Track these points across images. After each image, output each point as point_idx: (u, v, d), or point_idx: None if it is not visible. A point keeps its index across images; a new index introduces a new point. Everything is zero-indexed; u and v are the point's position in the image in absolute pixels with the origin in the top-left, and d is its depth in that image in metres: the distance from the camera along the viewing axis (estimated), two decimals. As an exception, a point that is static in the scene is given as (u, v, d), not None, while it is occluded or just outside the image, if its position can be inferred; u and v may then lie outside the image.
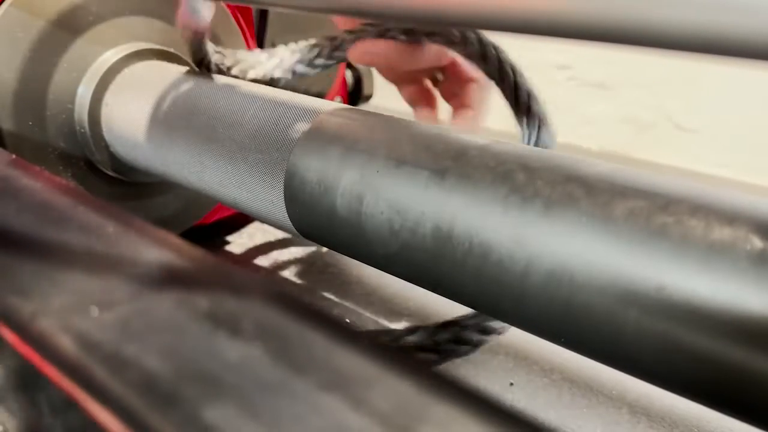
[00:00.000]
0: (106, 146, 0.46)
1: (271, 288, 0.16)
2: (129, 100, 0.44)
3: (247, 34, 0.54)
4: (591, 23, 0.13)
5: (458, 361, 0.40)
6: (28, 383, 0.15)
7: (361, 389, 0.12)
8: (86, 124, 0.45)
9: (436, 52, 0.46)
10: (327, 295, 0.48)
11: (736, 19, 0.11)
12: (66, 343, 0.14)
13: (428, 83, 0.52)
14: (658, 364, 0.23)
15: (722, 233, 0.21)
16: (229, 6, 0.52)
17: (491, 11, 0.14)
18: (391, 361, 0.13)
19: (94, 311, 0.15)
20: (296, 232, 0.36)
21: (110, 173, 0.47)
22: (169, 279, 0.16)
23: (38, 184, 0.22)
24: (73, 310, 0.15)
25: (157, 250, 0.18)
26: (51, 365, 0.14)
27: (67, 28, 0.44)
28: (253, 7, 0.54)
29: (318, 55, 0.45)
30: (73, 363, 0.13)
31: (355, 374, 0.13)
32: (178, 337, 0.14)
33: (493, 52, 0.41)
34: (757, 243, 0.21)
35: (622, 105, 0.85)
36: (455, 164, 0.28)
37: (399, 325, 0.44)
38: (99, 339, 0.14)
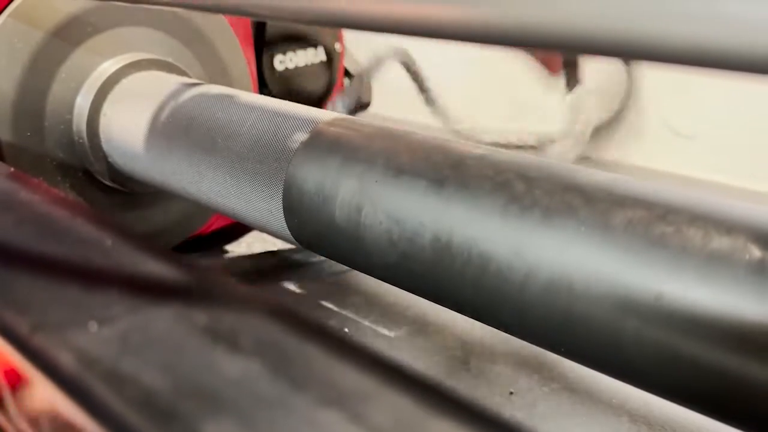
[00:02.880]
0: (105, 156, 0.46)
1: (269, 302, 0.15)
2: (127, 110, 0.44)
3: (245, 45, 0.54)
4: (590, 36, 0.13)
5: (458, 369, 0.40)
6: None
7: (360, 404, 0.12)
8: (84, 135, 0.45)
9: None
10: (325, 303, 0.48)
11: (730, 33, 0.11)
12: (65, 359, 0.14)
13: None
14: (657, 373, 0.23)
15: (721, 242, 0.21)
16: (227, 17, 0.52)
17: (497, 25, 0.14)
18: (389, 376, 0.13)
19: (93, 326, 0.15)
20: (295, 241, 0.36)
21: (108, 183, 0.47)
22: (168, 293, 0.16)
23: (37, 197, 0.22)
24: (72, 324, 0.15)
25: (156, 263, 0.18)
26: (50, 381, 0.14)
27: (66, 38, 0.44)
28: (251, 18, 0.54)
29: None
30: (72, 378, 0.13)
31: (353, 389, 0.13)
32: (176, 353, 0.14)
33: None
34: (756, 252, 0.21)
35: (619, 111, 0.85)
36: (453, 174, 0.28)
37: (399, 333, 0.44)
38: (98, 354, 0.14)
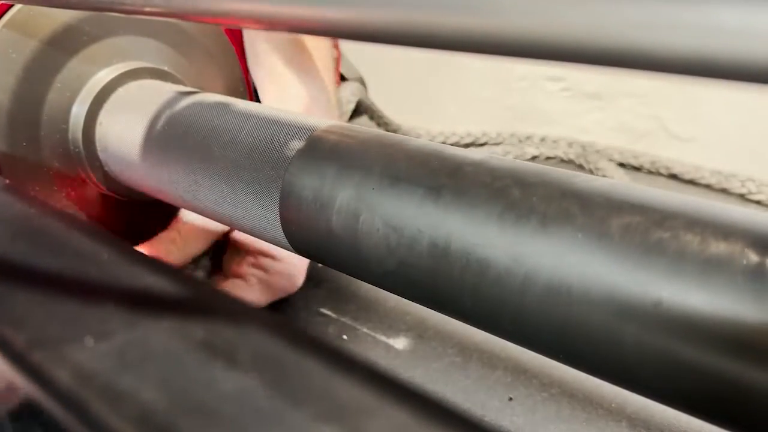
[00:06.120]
0: (101, 165, 0.46)
1: (266, 317, 0.15)
2: (123, 119, 0.44)
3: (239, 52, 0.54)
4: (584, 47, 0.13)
5: (457, 377, 0.40)
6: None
7: (359, 419, 0.12)
8: (80, 144, 0.45)
9: None
10: (323, 310, 0.48)
11: (731, 43, 0.11)
12: (62, 375, 0.14)
13: None
14: (657, 379, 0.23)
15: (718, 248, 0.21)
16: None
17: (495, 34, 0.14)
18: (389, 390, 0.13)
19: (90, 341, 0.15)
20: (292, 249, 0.36)
21: (105, 192, 0.47)
22: (165, 307, 0.16)
23: (32, 210, 0.22)
24: (69, 340, 0.15)
25: (152, 277, 0.18)
26: (47, 397, 0.14)
27: (61, 48, 0.44)
28: (247, 29, 0.54)
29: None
30: (69, 395, 0.13)
31: (352, 404, 0.13)
32: (173, 368, 0.14)
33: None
34: (753, 257, 0.21)
35: (617, 115, 0.85)
36: (451, 181, 0.28)
37: (397, 340, 0.44)
38: (94, 370, 0.14)
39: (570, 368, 0.27)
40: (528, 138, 0.86)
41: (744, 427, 0.22)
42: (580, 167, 0.79)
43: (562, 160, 0.81)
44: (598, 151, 0.81)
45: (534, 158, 0.82)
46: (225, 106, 0.39)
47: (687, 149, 0.81)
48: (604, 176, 0.73)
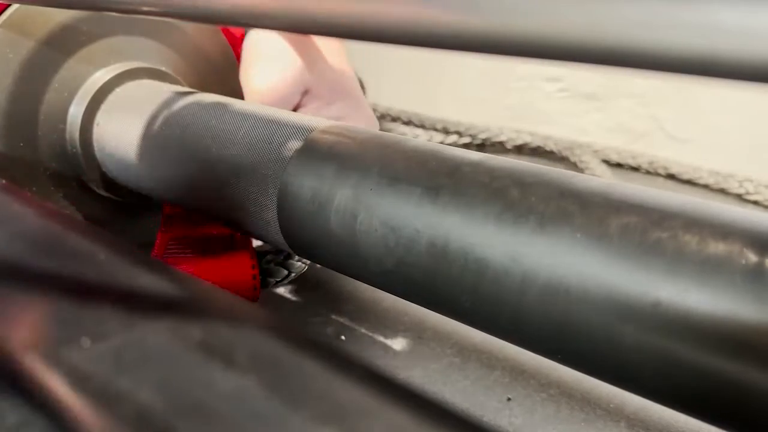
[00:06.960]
0: (98, 166, 0.46)
1: (265, 317, 0.15)
2: (121, 119, 0.44)
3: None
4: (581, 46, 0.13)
5: (456, 378, 0.39)
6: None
7: (357, 420, 0.12)
8: (78, 144, 0.45)
9: None
10: (321, 311, 0.48)
11: (730, 43, 0.11)
12: (57, 376, 0.14)
13: None
14: (655, 380, 0.23)
15: (717, 248, 0.21)
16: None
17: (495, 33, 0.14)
18: (387, 391, 0.13)
19: (86, 342, 0.15)
20: (290, 249, 0.36)
21: (102, 193, 0.47)
22: (162, 308, 0.16)
23: (29, 211, 0.22)
24: (65, 341, 0.15)
25: (149, 277, 0.18)
26: (43, 398, 0.14)
27: (58, 48, 0.44)
28: (245, 28, 0.54)
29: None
30: (65, 396, 0.13)
31: (351, 405, 0.13)
32: (171, 369, 0.14)
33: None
34: (752, 257, 0.21)
35: (614, 115, 0.85)
36: (449, 181, 0.28)
37: (396, 341, 0.44)
38: (91, 371, 0.14)
39: (569, 369, 0.27)
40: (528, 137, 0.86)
41: (743, 428, 0.22)
42: (565, 159, 0.79)
43: (553, 152, 0.82)
44: (596, 152, 0.81)
45: (538, 147, 0.82)
46: (223, 106, 0.39)
47: (685, 149, 0.81)
48: (587, 169, 0.74)
